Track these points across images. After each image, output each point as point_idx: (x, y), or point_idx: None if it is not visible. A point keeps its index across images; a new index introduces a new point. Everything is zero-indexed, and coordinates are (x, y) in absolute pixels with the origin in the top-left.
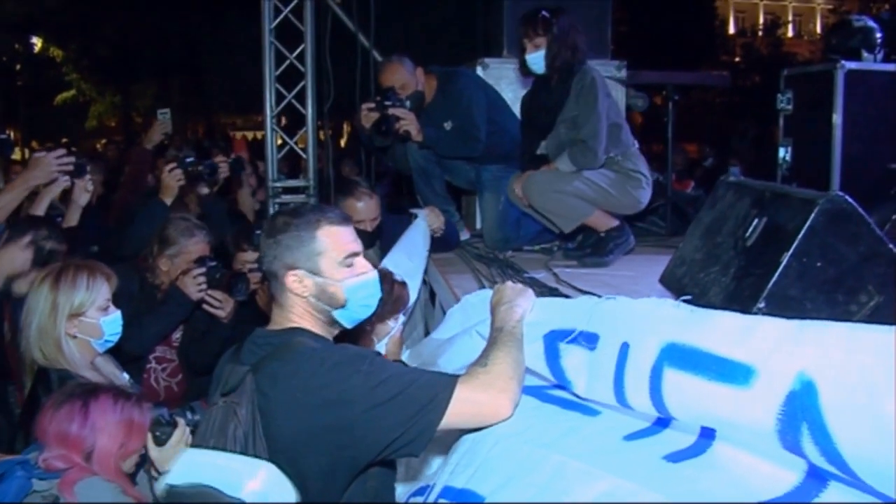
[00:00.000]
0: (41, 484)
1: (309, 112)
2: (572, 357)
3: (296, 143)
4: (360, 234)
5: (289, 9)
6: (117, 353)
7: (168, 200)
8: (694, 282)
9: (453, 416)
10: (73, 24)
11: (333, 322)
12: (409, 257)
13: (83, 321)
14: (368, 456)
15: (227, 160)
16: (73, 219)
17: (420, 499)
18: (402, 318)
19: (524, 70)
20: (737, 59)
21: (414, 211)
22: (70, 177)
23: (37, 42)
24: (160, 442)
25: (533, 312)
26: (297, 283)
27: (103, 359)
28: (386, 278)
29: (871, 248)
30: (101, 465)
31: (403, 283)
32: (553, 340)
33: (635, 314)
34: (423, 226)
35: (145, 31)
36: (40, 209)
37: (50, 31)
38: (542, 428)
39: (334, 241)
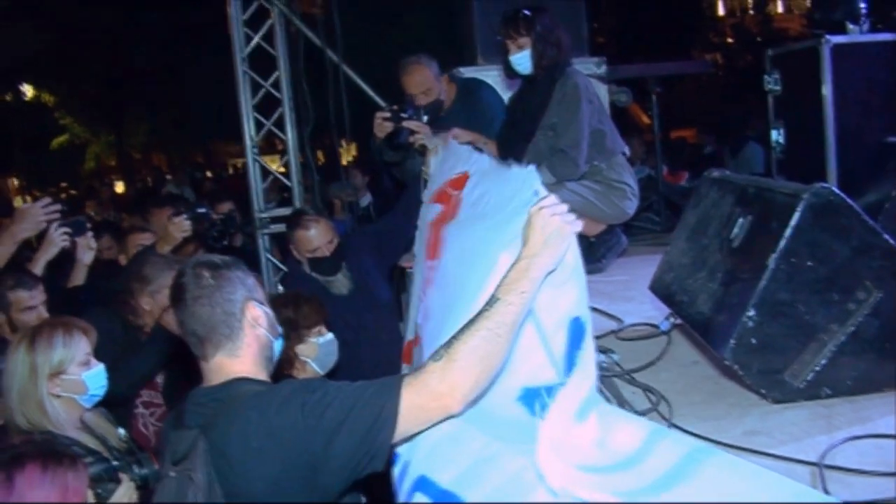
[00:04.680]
0: None
1: (289, 138)
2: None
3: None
4: (321, 261)
5: (259, 35)
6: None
7: (164, 251)
8: (682, 289)
9: (405, 425)
10: (59, 68)
11: (272, 356)
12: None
13: (65, 379)
14: (339, 484)
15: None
16: (78, 278)
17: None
18: (327, 332)
19: (509, 72)
20: (729, 41)
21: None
22: (69, 236)
23: (27, 89)
24: (102, 500)
25: (564, 271)
26: (260, 314)
27: (94, 414)
28: (288, 298)
29: (864, 241)
30: None
31: (310, 299)
32: (578, 330)
33: None
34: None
35: (129, 68)
36: (37, 269)
37: (37, 77)
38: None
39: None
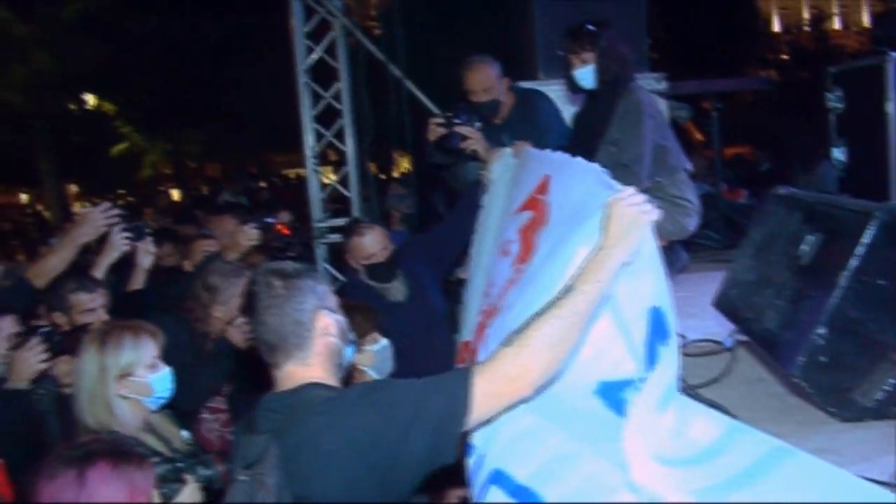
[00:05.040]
0: None
1: (349, 149)
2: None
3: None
4: (377, 267)
5: (321, 48)
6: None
7: (231, 259)
8: (748, 305)
9: (479, 412)
10: (119, 78)
11: (342, 363)
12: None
13: (132, 381)
14: (413, 480)
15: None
16: (138, 282)
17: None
18: (382, 339)
19: (573, 87)
20: (784, 57)
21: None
22: (130, 240)
23: (89, 99)
24: (167, 500)
25: (641, 261)
26: (330, 323)
27: (160, 416)
28: (346, 308)
29: None
30: None
31: (360, 308)
32: (658, 321)
33: None
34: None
35: (186, 79)
36: (99, 273)
37: (98, 87)
38: (617, 446)
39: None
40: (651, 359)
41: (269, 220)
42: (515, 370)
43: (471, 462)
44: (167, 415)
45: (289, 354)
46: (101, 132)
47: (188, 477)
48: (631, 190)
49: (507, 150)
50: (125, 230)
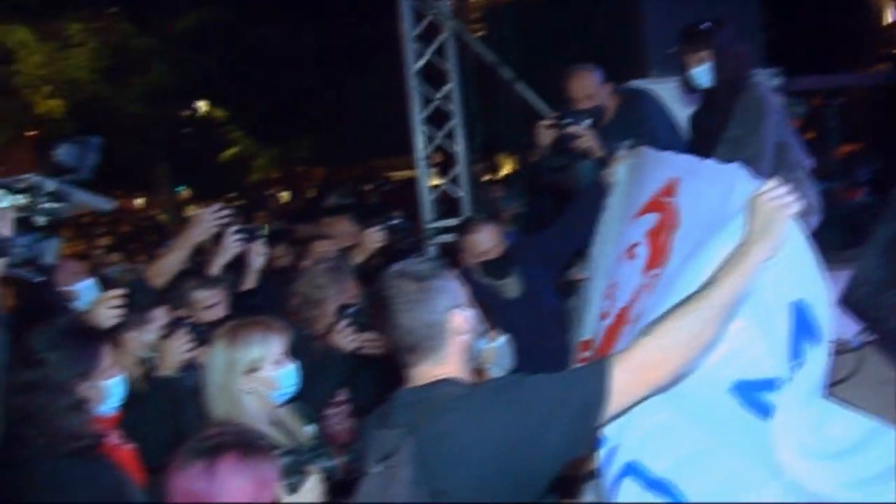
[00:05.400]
0: None
1: (460, 151)
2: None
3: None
4: (491, 263)
5: (431, 50)
6: None
7: (356, 260)
8: (875, 305)
9: (617, 402)
10: (230, 86)
11: (473, 356)
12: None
13: (259, 376)
14: (550, 474)
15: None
16: (249, 282)
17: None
18: (500, 336)
19: (688, 87)
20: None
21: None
22: (243, 241)
23: (202, 106)
24: (293, 490)
25: (784, 255)
26: (463, 321)
27: (285, 410)
28: None
29: None
30: None
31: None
32: (803, 316)
33: None
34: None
35: (295, 85)
36: (214, 272)
37: (209, 95)
38: (760, 446)
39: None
40: (796, 357)
41: (395, 221)
42: (653, 359)
43: (602, 453)
44: (293, 408)
45: (424, 355)
46: (211, 138)
47: (311, 468)
48: (772, 183)
49: (627, 152)
50: (238, 231)
